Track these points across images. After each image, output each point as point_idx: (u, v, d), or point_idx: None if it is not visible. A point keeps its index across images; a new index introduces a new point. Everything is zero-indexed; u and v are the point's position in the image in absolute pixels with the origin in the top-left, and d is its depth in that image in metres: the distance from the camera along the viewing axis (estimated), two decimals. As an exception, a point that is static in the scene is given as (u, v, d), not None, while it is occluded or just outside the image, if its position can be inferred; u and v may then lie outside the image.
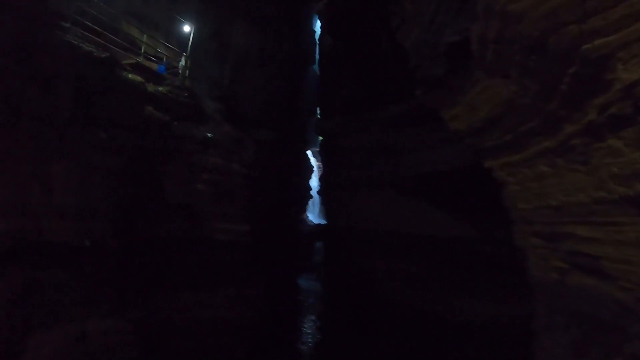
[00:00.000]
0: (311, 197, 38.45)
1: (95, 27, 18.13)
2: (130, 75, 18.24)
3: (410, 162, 23.32)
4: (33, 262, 13.96)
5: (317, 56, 36.60)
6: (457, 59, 13.57)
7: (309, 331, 28.88)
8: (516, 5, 8.61)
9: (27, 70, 13.79)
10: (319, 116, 36.18)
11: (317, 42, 36.62)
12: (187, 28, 24.79)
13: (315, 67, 37.79)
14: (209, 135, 22.10)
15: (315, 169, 42.00)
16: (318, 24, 37.43)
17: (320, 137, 35.84)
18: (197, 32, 24.90)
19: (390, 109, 23.87)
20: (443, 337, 21.30)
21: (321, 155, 35.97)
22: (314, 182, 40.33)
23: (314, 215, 48.77)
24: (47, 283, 14.20)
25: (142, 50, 21.10)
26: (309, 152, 40.25)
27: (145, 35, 21.83)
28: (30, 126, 14.05)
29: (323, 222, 40.49)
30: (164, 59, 22.74)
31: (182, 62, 23.22)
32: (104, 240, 16.46)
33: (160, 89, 20.17)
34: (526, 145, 10.69)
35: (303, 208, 37.05)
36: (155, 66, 21.26)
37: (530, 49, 8.78)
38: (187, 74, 23.18)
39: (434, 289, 22.33)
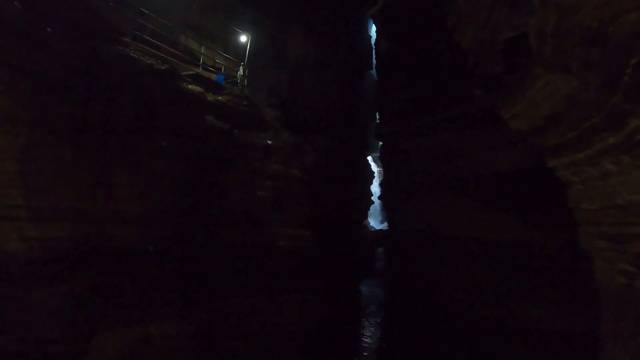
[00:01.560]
0: (372, 202, 38.28)
1: (154, 40, 18.57)
2: (190, 86, 18.61)
3: (471, 164, 22.91)
4: (98, 266, 14.47)
5: (374, 61, 36.47)
6: (515, 55, 13.35)
7: (369, 338, 28.75)
8: (574, -4, 8.38)
9: (90, 83, 14.33)
10: (378, 121, 36.13)
11: (373, 46, 36.47)
12: (244, 38, 25.11)
13: (373, 71, 37.67)
14: (269, 142, 22.34)
15: (376, 174, 41.83)
16: (373, 28, 37.32)
17: (380, 142, 35.78)
18: (254, 41, 25.20)
19: (450, 111, 23.51)
20: (504, 343, 20.83)
21: (381, 161, 35.75)
22: (375, 187, 40.24)
23: (375, 221, 48.62)
24: (111, 287, 14.66)
25: (201, 61, 21.49)
26: (369, 158, 40.12)
27: (203, 47, 22.25)
28: (95, 136, 14.59)
29: (384, 227, 40.36)
30: (223, 69, 23.07)
31: (241, 72, 23.54)
32: (167, 246, 16.87)
33: (220, 98, 20.50)
34: (590, 143, 10.28)
35: (364, 214, 36.87)
36: (214, 76, 21.57)
37: (589, 41, 8.45)
38: (245, 83, 23.48)
39: (494, 294, 21.86)
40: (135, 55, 16.51)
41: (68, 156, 13.82)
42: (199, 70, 20.73)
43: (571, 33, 8.92)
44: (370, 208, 38.79)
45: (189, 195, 17.96)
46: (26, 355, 12.73)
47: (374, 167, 42.79)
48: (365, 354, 26.18)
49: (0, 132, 12.46)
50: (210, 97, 19.79)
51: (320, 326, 22.46)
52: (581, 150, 10.80)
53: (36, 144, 12.99)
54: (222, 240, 19.47)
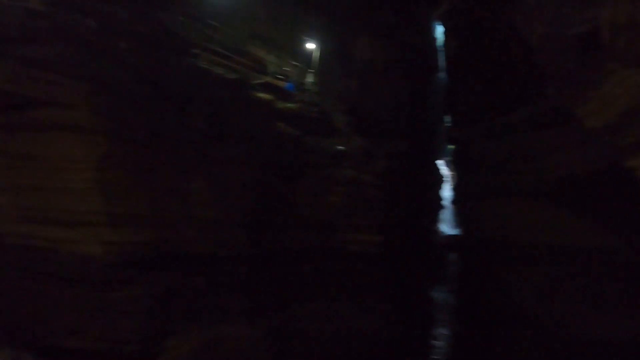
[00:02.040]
0: (444, 207, 37.82)
1: (223, 51, 19.01)
2: (260, 94, 18.96)
3: (544, 166, 22.17)
4: (172, 270, 14.92)
5: (441, 62, 35.99)
6: (586, 50, 12.99)
7: (440, 344, 28.41)
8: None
9: (162, 95, 14.82)
10: (448, 124, 35.66)
11: (440, 48, 35.98)
12: (311, 45, 25.36)
13: (442, 74, 37.20)
14: (340, 148, 22.40)
15: (447, 178, 41.25)
16: (439, 29, 36.90)
17: (451, 146, 35.29)
18: (322, 48, 25.41)
19: (521, 112, 22.95)
20: (577, 352, 20.15)
21: (453, 164, 35.31)
22: (447, 192, 39.72)
23: (447, 226, 48.02)
24: (185, 290, 15.09)
25: (270, 70, 21.80)
26: (440, 162, 39.61)
27: (271, 56, 22.55)
28: (168, 145, 15.07)
29: (456, 233, 39.78)
30: (291, 77, 23.34)
31: (309, 79, 23.74)
32: (239, 250, 17.19)
33: (290, 105, 20.77)
34: None
35: (436, 219, 36.40)
36: (283, 84, 21.87)
37: None
38: (315, 90, 23.68)
39: (569, 302, 21.17)
40: (206, 66, 16.96)
41: (144, 164, 14.33)
42: (268, 78, 21.03)
43: None
44: (442, 213, 38.35)
45: (261, 200, 18.23)
46: (102, 354, 13.29)
47: (445, 170, 42.16)
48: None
49: (80, 143, 13.08)
50: (280, 104, 20.09)
51: (391, 331, 22.26)
52: None
53: (114, 153, 13.53)
54: (293, 245, 19.65)
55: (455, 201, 34.81)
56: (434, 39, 36.99)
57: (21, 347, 11.33)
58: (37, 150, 13.15)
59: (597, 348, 19.36)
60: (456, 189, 34.14)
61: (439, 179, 37.10)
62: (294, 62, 24.10)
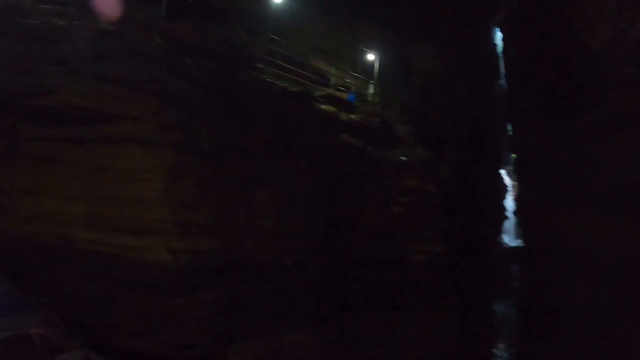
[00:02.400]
0: (506, 218, 37.07)
1: (285, 64, 19.24)
2: (323, 106, 19.11)
3: (612, 174, 21.55)
4: (238, 278, 15.21)
5: (501, 70, 35.44)
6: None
7: (503, 358, 27.96)
8: None
9: (229, 108, 15.19)
10: (510, 132, 35.04)
11: (501, 55, 35.42)
12: (371, 56, 25.13)
13: (502, 82, 36.61)
14: (403, 158, 22.35)
15: (509, 188, 40.50)
16: (499, 36, 36.37)
17: (513, 155, 34.66)
18: (382, 58, 25.13)
19: (584, 118, 22.36)
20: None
21: (516, 174, 34.64)
22: (509, 202, 39.04)
23: (510, 236, 47.10)
24: (249, 297, 15.32)
25: (332, 82, 21.96)
26: (502, 171, 38.94)
27: (332, 68, 22.71)
28: (235, 157, 15.41)
29: (520, 244, 39.00)
30: (353, 88, 23.41)
31: (371, 89, 23.80)
32: (304, 260, 17.36)
33: (352, 116, 20.85)
34: None
35: (498, 230, 35.71)
36: (345, 95, 21.95)
37: None
38: (376, 101, 23.73)
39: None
40: (269, 79, 17.26)
41: (211, 176, 14.70)
42: (331, 90, 21.19)
43: None
44: (505, 223, 37.65)
45: (325, 211, 18.34)
46: (167, 357, 13.63)
47: (508, 180, 41.39)
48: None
49: (150, 155, 13.49)
50: (343, 116, 20.19)
51: (452, 343, 22.00)
52: None
53: (182, 165, 13.92)
54: (357, 255, 19.64)
55: (517, 211, 34.19)
56: (493, 46, 36.48)
57: (90, 348, 11.73)
58: (108, 162, 13.63)
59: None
60: (518, 198, 33.50)
61: (501, 189, 36.50)
62: (355, 74, 24.20)
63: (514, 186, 39.46)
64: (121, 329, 13.74)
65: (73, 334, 12.78)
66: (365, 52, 25.06)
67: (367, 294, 19.74)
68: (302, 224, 17.45)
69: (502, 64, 35.15)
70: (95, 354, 11.82)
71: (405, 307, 20.71)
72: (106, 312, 13.71)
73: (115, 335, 13.67)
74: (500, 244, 37.03)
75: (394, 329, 20.07)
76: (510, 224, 38.14)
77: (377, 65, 24.72)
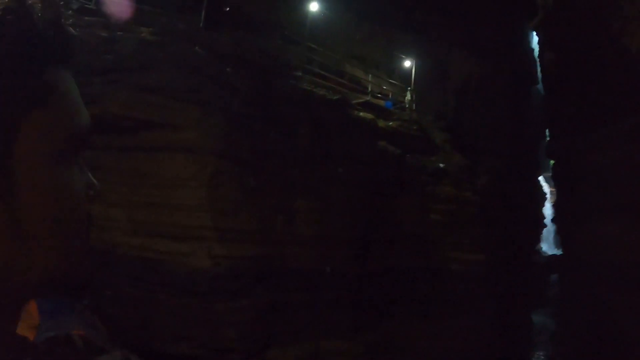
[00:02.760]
0: (545, 225, 36.55)
1: (323, 72, 19.37)
2: (361, 113, 19.08)
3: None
4: (276, 285, 15.22)
5: (538, 74, 35.03)
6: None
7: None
8: None
9: (269, 116, 15.30)
10: (548, 138, 34.55)
11: (537, 59, 35.00)
12: (407, 63, 25.19)
13: (539, 86, 36.19)
14: (440, 165, 22.25)
15: (548, 195, 40.00)
16: (535, 40, 35.96)
17: (552, 161, 34.16)
18: (418, 65, 25.16)
19: (624, 123, 21.96)
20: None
21: (554, 180, 33.99)
22: (548, 209, 38.51)
23: (548, 245, 46.36)
24: (288, 304, 15.33)
25: (369, 89, 21.97)
26: (540, 178, 38.47)
27: (369, 75, 22.73)
28: (275, 165, 15.50)
29: (558, 252, 38.38)
30: (390, 95, 23.39)
31: (408, 96, 23.73)
32: (343, 267, 17.29)
33: (390, 124, 20.79)
34: None
35: (537, 238, 35.18)
36: (382, 102, 21.94)
37: None
38: (413, 107, 23.67)
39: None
40: (308, 88, 17.33)
41: (251, 183, 14.80)
42: (368, 97, 21.20)
43: None
44: (543, 231, 37.11)
45: (363, 218, 18.25)
46: (205, 360, 13.78)
47: (546, 187, 40.83)
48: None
49: (192, 162, 13.63)
50: (381, 123, 20.15)
51: (490, 353, 21.77)
52: None
53: (223, 172, 14.04)
54: (395, 263, 19.50)
55: (556, 219, 33.69)
56: (530, 50, 36.13)
57: (130, 350, 11.88)
58: (151, 169, 13.80)
59: None
60: (557, 206, 33.02)
61: (540, 196, 36.08)
62: (392, 80, 24.19)
63: (552, 193, 38.98)
64: (161, 333, 13.85)
65: (115, 336, 12.97)
66: (401, 59, 25.05)
67: (405, 301, 19.61)
68: (340, 231, 17.36)
69: (539, 69, 34.81)
70: (136, 356, 11.97)
71: (443, 315, 20.45)
72: (147, 316, 13.79)
73: (155, 338, 13.77)
74: (539, 252, 36.56)
75: (430, 337, 19.79)
76: (549, 231, 37.71)
77: (413, 71, 24.68)
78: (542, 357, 28.39)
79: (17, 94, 0.72)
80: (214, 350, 13.83)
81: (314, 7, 20.71)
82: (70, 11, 13.53)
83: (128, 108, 13.04)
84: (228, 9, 17.37)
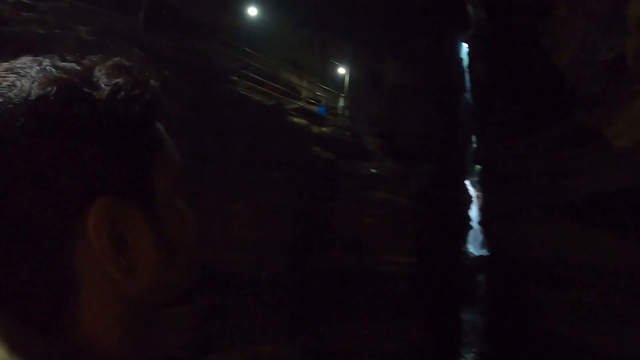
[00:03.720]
0: (471, 228, 37.42)
1: (258, 77, 19.24)
2: (296, 119, 19.06)
3: (575, 185, 21.89)
4: (216, 290, 14.93)
5: (467, 84, 35.99)
6: (614, 74, 13.01)
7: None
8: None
9: (205, 121, 15.01)
10: (475, 145, 35.41)
11: (466, 69, 35.95)
12: (342, 70, 25.40)
13: (467, 95, 37.12)
14: (373, 171, 22.42)
15: (474, 199, 40.87)
16: (464, 51, 36.89)
17: (478, 166, 34.98)
18: (352, 72, 25.44)
19: (549, 132, 22.76)
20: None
21: (480, 185, 34.97)
22: (474, 212, 39.32)
23: (474, 246, 47.35)
24: (227, 309, 15.14)
25: (303, 95, 21.95)
26: (467, 182, 39.29)
27: (304, 81, 22.74)
28: (213, 169, 15.21)
29: (484, 253, 39.22)
30: (323, 101, 23.47)
31: (341, 103, 23.88)
32: (280, 272, 17.22)
33: (324, 129, 20.83)
34: None
35: (464, 239, 36.02)
36: (315, 109, 22.00)
37: None
38: (346, 114, 23.79)
39: (606, 323, 20.79)
40: (245, 93, 17.15)
41: (189, 187, 14.44)
42: (302, 103, 21.19)
43: None
44: (470, 233, 37.93)
45: (299, 223, 18.25)
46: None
47: (472, 191, 41.74)
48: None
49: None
50: (315, 129, 20.15)
51: (423, 352, 22.07)
52: None
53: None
54: (331, 267, 19.55)
55: (482, 221, 34.51)
56: (460, 60, 36.99)
57: None
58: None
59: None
60: (483, 209, 33.85)
61: (467, 200, 36.86)
62: (326, 87, 24.25)
63: (478, 196, 39.85)
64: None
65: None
66: (335, 66, 25.15)
67: (340, 304, 19.66)
68: (276, 236, 17.31)
69: (467, 78, 35.66)
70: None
71: (378, 316, 20.69)
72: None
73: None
74: (466, 253, 37.27)
75: (366, 338, 19.99)
76: (474, 233, 38.48)
77: (347, 78, 24.82)
78: (472, 355, 28.88)
79: (148, 146, 0.93)
80: (155, 357, 13.41)
81: (252, 11, 20.54)
82: (6, 6, 12.83)
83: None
84: (166, 10, 16.94)
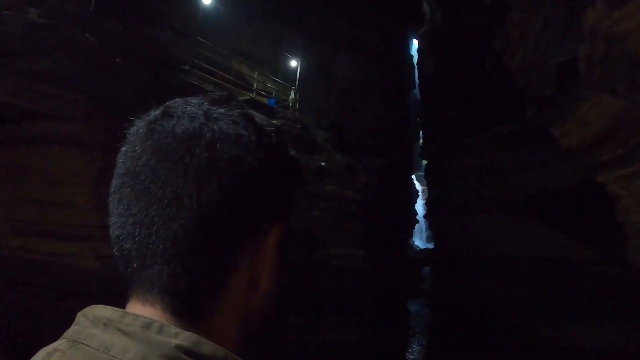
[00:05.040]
0: (417, 221, 37.96)
1: (210, 67, 19.01)
2: (246, 111, 18.90)
3: (520, 182, 22.51)
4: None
5: (416, 80, 36.46)
6: (565, 78, 13.36)
7: (417, 355, 28.43)
8: (620, 27, 8.52)
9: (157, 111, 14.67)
10: (422, 140, 35.93)
11: (416, 66, 36.42)
12: (293, 63, 25.40)
13: (416, 91, 37.63)
14: (322, 164, 22.42)
15: (420, 193, 41.50)
16: (415, 47, 37.34)
17: (425, 161, 35.53)
18: (303, 65, 25.43)
19: (496, 130, 23.29)
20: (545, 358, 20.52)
21: (427, 180, 35.49)
22: (420, 206, 39.92)
23: (420, 240, 48.05)
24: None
25: (254, 87, 21.79)
26: (413, 177, 39.88)
27: (256, 72, 22.59)
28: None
29: (430, 247, 39.86)
30: (274, 94, 23.38)
31: (292, 95, 23.81)
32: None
33: (274, 122, 20.68)
34: (639, 158, 10.46)
35: (410, 233, 36.58)
36: (266, 100, 21.90)
37: (635, 66, 8.69)
38: (296, 106, 23.75)
39: (549, 314, 21.50)
40: (196, 83, 16.85)
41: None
42: (253, 95, 21.02)
43: (618, 59, 9.12)
44: (416, 227, 38.46)
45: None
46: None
47: (418, 185, 42.37)
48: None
49: (77, 156, 12.72)
50: (265, 121, 20.00)
51: (372, 344, 22.25)
52: (630, 165, 10.97)
53: (110, 167, 13.10)
54: (282, 260, 19.48)
55: (428, 215, 35.01)
56: (410, 57, 37.40)
57: (16, 359, 11.00)
58: (33, 164, 12.66)
59: (580, 356, 19.72)
60: (429, 203, 34.32)
61: (413, 194, 37.33)
62: (277, 79, 24.15)
63: (424, 191, 40.47)
64: (48, 339, 12.90)
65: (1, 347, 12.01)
66: (287, 58, 25.07)
67: (289, 298, 19.58)
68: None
69: (417, 75, 36.09)
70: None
71: (327, 310, 20.74)
72: (33, 322, 12.77)
73: (41, 345, 12.84)
74: (412, 246, 37.80)
75: (314, 331, 20.07)
76: (420, 227, 39.14)
77: (298, 71, 24.78)
78: (419, 346, 29.30)
79: (295, 192, 1.23)
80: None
81: (205, 0, 20.20)
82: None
83: (14, 96, 11.87)
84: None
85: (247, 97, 20.19)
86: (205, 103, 1.12)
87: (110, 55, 13.25)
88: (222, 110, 1.08)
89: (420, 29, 32.17)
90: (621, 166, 11.42)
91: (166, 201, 0.94)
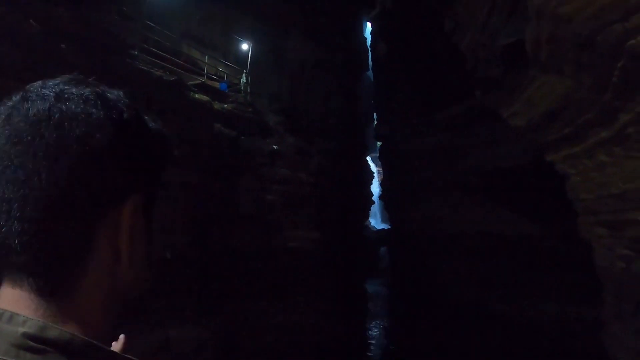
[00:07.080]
0: (373, 202, 38.23)
1: (159, 52, 18.84)
2: (197, 95, 18.78)
3: (473, 161, 23.04)
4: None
5: (369, 62, 36.65)
6: (512, 58, 13.65)
7: (377, 335, 28.92)
8: (566, 8, 8.72)
9: (106, 97, 14.49)
10: (376, 122, 36.19)
11: (369, 48, 36.60)
12: (244, 46, 25.36)
13: (369, 73, 37.80)
14: (275, 147, 22.51)
15: (375, 174, 41.77)
16: (368, 30, 37.52)
17: (379, 143, 35.80)
18: (255, 49, 25.42)
19: (448, 111, 23.77)
20: (513, 337, 21.07)
21: (381, 161, 35.83)
22: (375, 187, 40.19)
23: (376, 220, 48.30)
24: (134, 293, 14.87)
25: (205, 71, 21.72)
26: (368, 158, 40.07)
27: (207, 56, 22.50)
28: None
29: (386, 227, 40.28)
30: (225, 77, 23.31)
31: (243, 79, 23.77)
32: (184, 252, 17.02)
33: (225, 106, 20.67)
34: (585, 137, 10.67)
35: (366, 214, 36.79)
36: (217, 85, 21.80)
37: (581, 47, 8.91)
38: (248, 90, 23.75)
39: (503, 290, 22.15)
40: (145, 68, 16.70)
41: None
42: (204, 79, 20.95)
43: (564, 40, 9.35)
44: (371, 208, 38.74)
45: (204, 201, 18.10)
46: None
47: (373, 167, 42.66)
48: (372, 353, 26.37)
49: (22, 147, 12.58)
50: (216, 105, 19.96)
51: (331, 324, 22.58)
52: (577, 144, 11.22)
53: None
54: (236, 245, 19.58)
55: (383, 196, 35.40)
56: (363, 39, 37.51)
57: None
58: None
59: (533, 331, 20.43)
60: (384, 184, 34.70)
61: (368, 175, 37.58)
62: (228, 63, 24.05)
63: (378, 172, 40.80)
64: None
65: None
66: (238, 41, 24.97)
67: (247, 282, 19.74)
68: (180, 216, 17.06)
69: (369, 57, 36.29)
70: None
71: (285, 293, 20.97)
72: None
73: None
74: (368, 227, 38.05)
75: (274, 315, 20.28)
76: (376, 207, 39.39)
77: (249, 54, 24.73)
78: (379, 324, 29.81)
79: (161, 165, 1.31)
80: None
81: (153, -18, 19.94)
82: None
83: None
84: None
85: (197, 82, 20.13)
86: (60, 84, 1.12)
87: (55, 42, 13.08)
88: (73, 90, 1.10)
89: (372, 10, 32.32)
90: (568, 145, 11.71)
91: (19, 184, 0.96)
